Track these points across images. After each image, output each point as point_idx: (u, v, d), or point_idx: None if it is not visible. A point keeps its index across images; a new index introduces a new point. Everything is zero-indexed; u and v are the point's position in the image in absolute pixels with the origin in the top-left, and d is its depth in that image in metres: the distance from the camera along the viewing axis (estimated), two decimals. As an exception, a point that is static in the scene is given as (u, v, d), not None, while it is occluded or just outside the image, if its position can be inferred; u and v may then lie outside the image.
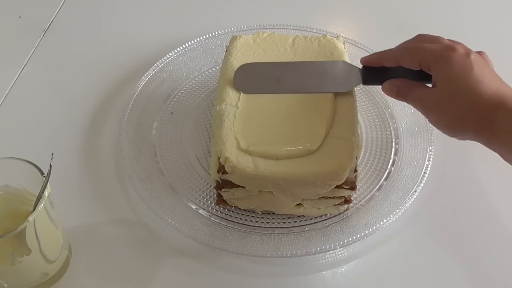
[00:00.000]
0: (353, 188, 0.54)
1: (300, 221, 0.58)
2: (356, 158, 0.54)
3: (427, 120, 0.64)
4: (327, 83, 0.56)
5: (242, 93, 0.56)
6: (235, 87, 0.57)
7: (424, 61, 0.49)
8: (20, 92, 0.71)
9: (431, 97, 0.49)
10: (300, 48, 0.63)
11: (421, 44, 0.51)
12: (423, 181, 0.59)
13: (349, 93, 0.58)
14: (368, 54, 0.71)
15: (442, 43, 0.50)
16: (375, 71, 0.54)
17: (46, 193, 0.45)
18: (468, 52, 0.48)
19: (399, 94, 0.52)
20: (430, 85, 0.50)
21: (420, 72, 0.50)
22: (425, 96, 0.50)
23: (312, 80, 0.56)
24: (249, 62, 0.59)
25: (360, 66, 0.56)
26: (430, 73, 0.49)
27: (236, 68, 0.58)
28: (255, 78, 0.57)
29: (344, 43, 0.65)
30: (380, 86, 0.54)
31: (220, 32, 0.74)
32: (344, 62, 0.57)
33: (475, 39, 0.81)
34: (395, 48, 0.53)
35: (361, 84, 0.55)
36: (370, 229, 0.55)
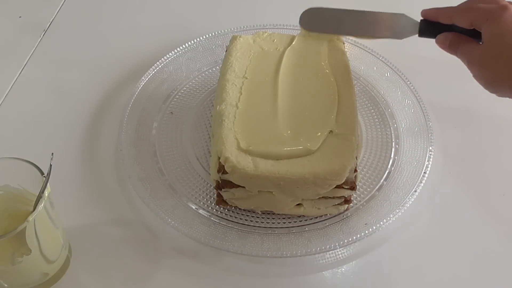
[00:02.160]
0: (353, 188, 0.54)
1: (300, 221, 0.58)
2: (356, 158, 0.54)
3: (427, 120, 0.65)
4: (384, 29, 0.59)
5: (302, 31, 0.62)
6: (300, 25, 0.62)
7: (475, 20, 0.51)
8: (20, 92, 0.71)
9: (477, 52, 0.51)
10: (300, 48, 0.63)
11: (476, 3, 0.52)
12: (423, 181, 0.59)
13: (350, 93, 0.58)
14: (368, 54, 0.72)
15: (499, 3, 0.51)
16: (433, 25, 0.56)
17: (46, 193, 0.45)
18: None
19: (450, 47, 0.54)
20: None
21: (473, 32, 0.52)
22: (472, 50, 0.51)
23: (370, 26, 0.60)
24: (251, 61, 0.60)
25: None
26: (480, 31, 0.51)
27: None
28: (319, 19, 0.61)
29: (344, 43, 0.65)
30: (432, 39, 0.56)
31: (220, 32, 0.74)
32: (404, 15, 0.58)
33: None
34: (451, 6, 0.54)
35: (417, 35, 0.57)
36: (370, 229, 0.55)
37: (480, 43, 0.52)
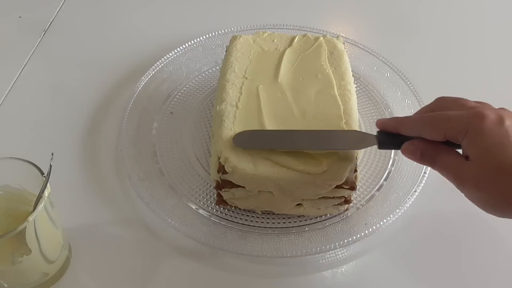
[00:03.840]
0: (353, 188, 0.54)
1: (300, 221, 0.58)
2: (356, 158, 0.54)
3: None
4: (339, 143, 0.52)
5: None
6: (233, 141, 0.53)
7: (450, 132, 0.44)
8: (20, 92, 0.71)
9: (468, 171, 0.43)
10: (300, 48, 0.63)
11: (444, 112, 0.45)
12: (423, 181, 0.59)
13: (351, 93, 0.58)
14: (368, 54, 0.72)
15: (466, 106, 0.45)
16: (393, 135, 0.49)
17: (46, 193, 0.45)
18: (500, 118, 0.42)
19: (424, 158, 0.47)
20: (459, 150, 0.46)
21: (445, 142, 0.45)
22: (459, 167, 0.43)
23: (322, 141, 0.52)
24: (251, 61, 0.60)
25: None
26: (457, 143, 0.44)
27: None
28: (256, 138, 0.53)
29: (344, 43, 0.65)
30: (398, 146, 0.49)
31: (220, 32, 0.74)
32: (356, 131, 0.53)
33: (475, 39, 0.81)
34: (415, 116, 0.48)
35: (377, 147, 0.51)
36: (370, 229, 0.55)
37: (462, 154, 0.45)
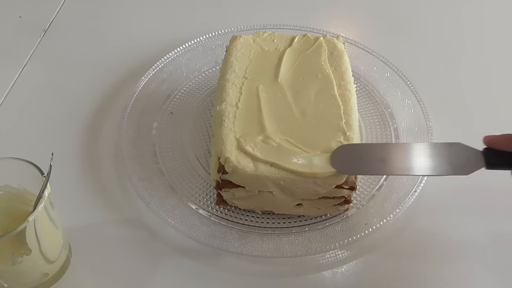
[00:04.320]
0: (353, 188, 0.54)
1: (300, 221, 0.58)
2: (356, 158, 0.54)
3: (427, 120, 0.64)
4: (442, 165, 0.49)
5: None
6: (333, 165, 0.51)
7: None
8: (20, 92, 0.71)
9: None
10: (300, 48, 0.63)
11: None
12: (423, 181, 0.59)
13: (351, 93, 0.58)
14: (368, 54, 0.72)
15: None
16: (501, 153, 0.46)
17: (46, 193, 0.45)
18: None
19: None
20: None
21: None
22: None
23: (423, 162, 0.49)
24: (251, 61, 0.60)
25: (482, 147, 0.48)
26: None
27: (236, 68, 0.58)
28: (355, 158, 0.51)
29: (344, 43, 0.65)
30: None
31: (220, 32, 0.74)
32: (461, 144, 0.49)
33: (475, 38, 0.81)
34: None
35: (484, 168, 0.47)
36: (370, 229, 0.55)
37: None
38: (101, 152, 0.64)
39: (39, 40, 0.78)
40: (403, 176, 0.60)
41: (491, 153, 0.47)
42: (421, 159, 0.49)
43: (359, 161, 0.51)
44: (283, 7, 0.85)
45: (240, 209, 0.58)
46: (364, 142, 0.64)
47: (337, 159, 0.51)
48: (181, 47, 0.72)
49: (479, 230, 0.59)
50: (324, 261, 0.56)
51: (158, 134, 0.65)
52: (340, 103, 0.57)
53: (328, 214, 0.58)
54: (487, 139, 0.47)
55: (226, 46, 0.65)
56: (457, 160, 0.48)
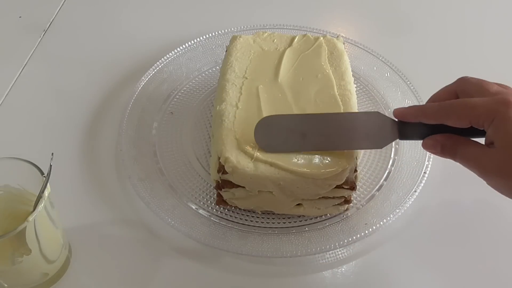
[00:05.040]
0: (353, 188, 0.54)
1: (300, 221, 0.58)
2: (356, 158, 0.54)
3: None
4: (359, 139, 0.50)
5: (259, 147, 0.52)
6: (256, 142, 0.51)
7: (475, 119, 0.43)
8: (20, 92, 0.71)
9: (492, 160, 0.43)
10: (300, 48, 0.63)
11: (468, 100, 0.45)
12: (423, 181, 0.59)
13: (351, 93, 0.58)
14: (368, 54, 0.72)
15: (490, 91, 0.45)
16: (414, 124, 0.48)
17: (46, 193, 0.45)
18: None
19: (444, 152, 0.47)
20: (478, 139, 0.46)
21: (468, 128, 0.45)
22: (482, 157, 0.44)
23: (342, 135, 0.51)
24: (251, 61, 0.60)
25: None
26: (481, 129, 0.44)
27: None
28: (277, 134, 0.51)
29: (344, 43, 0.65)
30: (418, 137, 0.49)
31: (220, 32, 0.74)
32: (378, 113, 0.50)
33: (475, 38, 0.81)
34: (436, 104, 0.47)
35: (398, 139, 0.50)
36: (370, 229, 0.55)
37: (477, 140, 0.45)
38: (101, 152, 0.64)
39: (39, 40, 0.78)
40: (403, 176, 0.60)
41: (404, 124, 0.49)
42: (339, 132, 0.50)
43: (280, 136, 0.51)
44: (283, 7, 0.85)
45: (240, 209, 0.58)
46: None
47: (260, 134, 0.51)
48: (181, 47, 0.72)
49: (479, 230, 0.59)
50: (324, 261, 0.56)
51: (158, 134, 0.65)
52: (340, 103, 0.57)
53: (328, 214, 0.58)
54: (396, 112, 0.49)
55: (226, 46, 0.65)
56: (373, 131, 0.49)
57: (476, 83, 0.46)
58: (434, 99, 0.49)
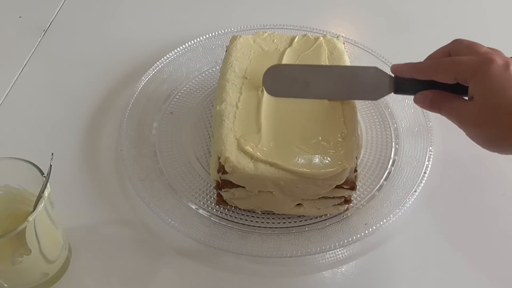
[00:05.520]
0: (353, 188, 0.54)
1: (300, 221, 0.58)
2: (356, 158, 0.54)
3: (427, 120, 0.65)
4: (357, 90, 0.55)
5: (267, 94, 0.56)
6: (264, 88, 0.56)
7: (460, 75, 0.47)
8: (20, 92, 0.71)
9: (469, 111, 0.47)
10: (300, 48, 0.63)
11: (455, 57, 0.49)
12: (423, 181, 0.59)
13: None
14: (368, 54, 0.72)
15: (479, 51, 0.48)
16: (408, 80, 0.52)
17: (46, 193, 0.45)
18: (507, 63, 0.46)
19: (432, 106, 0.51)
20: (466, 98, 0.49)
21: (456, 85, 0.49)
22: (461, 109, 0.48)
23: (342, 86, 0.55)
24: (251, 61, 0.60)
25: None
26: (466, 85, 0.48)
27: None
28: (283, 81, 0.56)
29: (344, 43, 0.65)
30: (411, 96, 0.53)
31: (220, 32, 0.74)
32: (377, 68, 0.54)
33: (476, 38, 0.81)
34: (428, 61, 0.52)
35: (392, 93, 0.53)
36: (370, 229, 0.55)
37: (466, 98, 0.49)
38: (101, 152, 0.64)
39: (39, 40, 0.78)
40: (403, 176, 0.60)
41: (399, 79, 0.53)
42: (339, 83, 0.55)
43: (286, 82, 0.56)
44: (283, 7, 0.85)
45: (240, 209, 0.58)
46: (364, 142, 0.64)
47: (268, 81, 0.56)
48: (181, 47, 0.72)
49: (479, 230, 0.59)
50: (324, 261, 0.56)
51: (158, 134, 0.65)
52: (340, 103, 0.57)
53: (328, 214, 0.58)
54: (393, 67, 0.53)
55: (226, 46, 0.65)
56: (371, 84, 0.54)
57: (467, 45, 0.50)
58: (429, 58, 0.53)
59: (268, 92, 0.56)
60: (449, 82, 0.49)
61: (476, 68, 0.46)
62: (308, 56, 0.62)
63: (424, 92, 0.51)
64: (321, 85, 0.55)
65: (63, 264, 0.53)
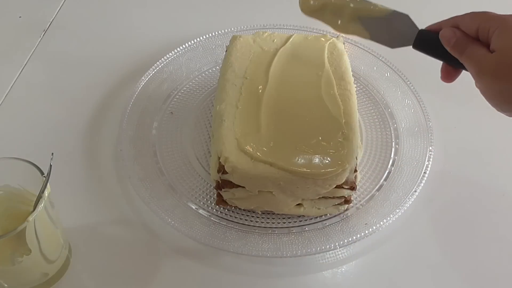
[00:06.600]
0: (353, 188, 0.54)
1: (300, 221, 0.58)
2: (356, 158, 0.54)
3: (427, 120, 0.64)
4: (379, 30, 0.53)
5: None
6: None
7: (484, 26, 0.46)
8: (20, 92, 0.71)
9: (489, 61, 0.45)
10: (300, 48, 0.63)
11: (486, 11, 0.48)
12: (423, 181, 0.59)
13: (351, 93, 0.58)
14: (368, 54, 0.72)
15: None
16: (431, 38, 0.50)
17: (46, 193, 0.45)
18: None
19: (455, 46, 0.48)
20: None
21: (456, 61, 0.48)
22: (483, 57, 0.45)
23: (369, 23, 0.53)
24: (251, 61, 0.60)
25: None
26: (487, 41, 0.46)
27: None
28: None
29: (344, 43, 0.65)
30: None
31: (220, 32, 0.74)
32: (408, 17, 0.52)
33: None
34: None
35: (411, 45, 0.51)
36: (370, 229, 0.55)
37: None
38: (101, 152, 0.64)
39: (39, 40, 0.78)
40: (403, 176, 0.60)
41: (423, 34, 0.50)
42: (370, 20, 0.53)
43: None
44: (283, 7, 0.85)
45: (240, 209, 0.58)
46: (364, 142, 0.64)
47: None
48: (181, 47, 0.72)
49: (479, 230, 0.59)
50: (324, 261, 0.56)
51: (158, 134, 0.65)
52: (340, 103, 0.57)
53: (328, 214, 0.58)
54: (426, 27, 0.51)
55: (226, 46, 0.65)
56: (394, 30, 0.52)
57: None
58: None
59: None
60: (471, 32, 0.47)
61: (502, 20, 0.45)
62: (308, 56, 0.62)
63: (453, 28, 0.49)
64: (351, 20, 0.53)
65: (63, 264, 0.53)
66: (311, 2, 0.54)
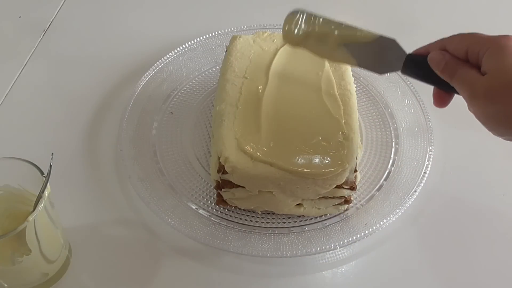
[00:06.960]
0: (353, 188, 0.54)
1: (300, 221, 0.58)
2: (356, 158, 0.54)
3: (427, 120, 0.65)
4: (366, 57, 0.50)
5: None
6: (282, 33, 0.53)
7: (473, 47, 0.45)
8: (20, 92, 0.71)
9: (482, 83, 0.43)
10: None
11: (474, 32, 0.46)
12: (423, 181, 0.59)
13: (351, 93, 0.58)
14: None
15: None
16: (420, 62, 0.48)
17: (46, 193, 0.45)
18: None
19: (445, 70, 0.46)
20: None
21: (448, 85, 0.47)
22: (475, 80, 0.44)
23: (358, 49, 0.50)
24: (251, 61, 0.60)
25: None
26: (477, 63, 0.45)
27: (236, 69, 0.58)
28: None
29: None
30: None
31: (220, 32, 0.74)
32: (395, 41, 0.50)
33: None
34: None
35: (399, 71, 0.49)
36: (370, 229, 0.55)
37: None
38: (101, 152, 0.64)
39: (39, 40, 0.78)
40: (403, 176, 0.60)
41: (412, 60, 0.49)
42: (356, 47, 0.50)
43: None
44: (283, 7, 0.84)
45: (240, 209, 0.58)
46: (364, 142, 0.64)
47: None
48: (181, 47, 0.72)
49: (479, 230, 0.59)
50: (324, 261, 0.56)
51: (158, 134, 0.65)
52: (340, 103, 0.57)
53: (328, 214, 0.58)
54: (413, 51, 0.50)
55: (226, 46, 0.65)
56: (382, 56, 0.50)
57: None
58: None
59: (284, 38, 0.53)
60: (460, 54, 0.46)
61: (493, 42, 0.44)
62: (308, 56, 0.62)
63: (442, 52, 0.47)
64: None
65: (63, 264, 0.53)
66: (294, 33, 0.53)
